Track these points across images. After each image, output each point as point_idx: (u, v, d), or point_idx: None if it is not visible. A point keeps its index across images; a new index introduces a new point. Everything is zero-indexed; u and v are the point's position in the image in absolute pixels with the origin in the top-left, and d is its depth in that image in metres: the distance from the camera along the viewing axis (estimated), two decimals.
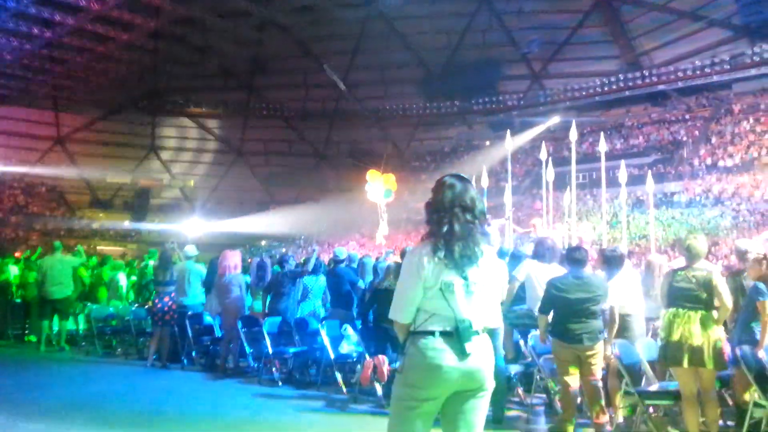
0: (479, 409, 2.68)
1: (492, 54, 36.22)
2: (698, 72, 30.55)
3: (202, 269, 9.50)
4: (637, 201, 26.83)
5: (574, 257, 5.37)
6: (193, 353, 9.13)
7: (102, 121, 42.58)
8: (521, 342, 6.52)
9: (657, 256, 6.65)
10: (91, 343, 10.49)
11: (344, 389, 7.07)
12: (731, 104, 31.99)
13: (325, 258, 10.90)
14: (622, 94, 33.23)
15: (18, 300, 11.90)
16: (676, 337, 4.76)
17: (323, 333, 7.37)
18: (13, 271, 12.18)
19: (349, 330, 7.44)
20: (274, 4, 33.13)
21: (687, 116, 33.30)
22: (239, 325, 8.18)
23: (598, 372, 5.19)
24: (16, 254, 15.69)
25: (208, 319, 9.22)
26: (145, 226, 39.57)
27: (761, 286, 4.90)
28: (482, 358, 2.65)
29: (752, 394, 4.88)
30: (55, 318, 10.80)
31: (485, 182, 10.38)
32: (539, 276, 6.11)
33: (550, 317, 5.38)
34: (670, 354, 4.80)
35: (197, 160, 45.42)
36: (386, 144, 43.04)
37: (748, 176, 27.47)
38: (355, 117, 41.17)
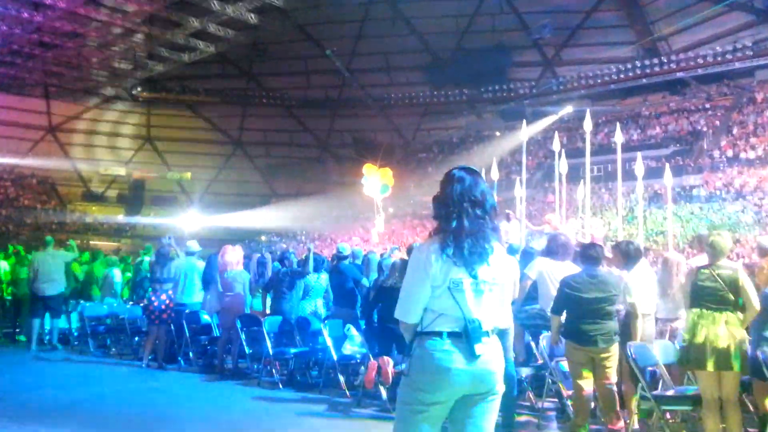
0: (489, 413, 2.68)
1: (502, 39, 36.09)
2: (719, 58, 30.36)
3: (201, 266, 9.54)
4: (655, 195, 26.74)
5: (588, 254, 5.36)
6: (191, 353, 9.16)
7: (95, 109, 42.70)
8: (532, 343, 6.51)
9: (675, 254, 6.61)
10: (85, 342, 10.54)
11: (347, 392, 7.08)
12: (754, 92, 31.76)
13: (328, 254, 10.91)
14: (639, 81, 33.09)
15: (8, 297, 11.95)
16: (700, 339, 4.70)
17: (325, 333, 7.38)
18: (3, 266, 12.18)
19: (352, 330, 7.46)
20: None
21: (707, 105, 33.11)
22: (238, 324, 8.20)
23: (612, 375, 5.18)
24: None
25: (205, 317, 9.25)
26: (140, 220, 39.75)
27: None
28: (492, 360, 2.66)
29: None
30: (47, 316, 10.84)
31: (495, 175, 10.34)
32: (552, 274, 6.10)
33: (563, 317, 5.37)
34: (693, 356, 4.74)
35: (194, 151, 45.46)
36: (391, 134, 43.06)
37: None
38: (359, 105, 41.19)
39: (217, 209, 38.61)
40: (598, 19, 34.67)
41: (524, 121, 11.95)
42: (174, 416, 6.29)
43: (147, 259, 10.95)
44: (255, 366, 8.36)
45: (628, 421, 5.34)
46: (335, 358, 7.26)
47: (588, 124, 9.88)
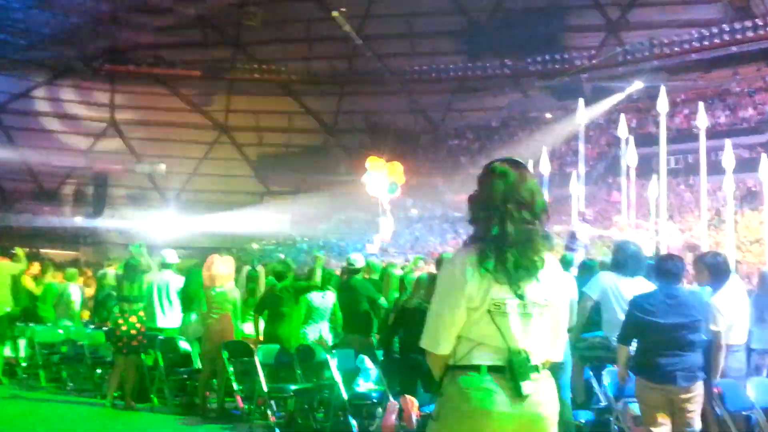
0: None
1: None
2: None
3: (181, 282, 9.60)
4: (748, 193, 26.47)
5: (665, 269, 5.34)
6: (166, 390, 9.20)
7: (47, 86, 43.13)
8: (594, 381, 6.51)
9: None
10: (35, 374, 10.63)
11: None
12: None
13: (336, 266, 10.96)
14: (728, 50, 32.76)
15: None
16: None
17: (333, 365, 7.40)
18: None
19: (367, 362, 7.48)
20: None
21: None
22: (225, 354, 8.25)
23: (695, 421, 5.16)
24: None
25: (184, 345, 9.31)
26: (104, 223, 40.03)
27: None
28: (543, 402, 2.67)
29: None
30: None
31: (546, 168, 10.37)
32: (619, 293, 6.10)
33: (632, 348, 5.35)
34: None
35: (170, 138, 45.70)
36: (415, 117, 43.06)
37: None
38: (374, 81, 41.20)
39: (198, 210, 38.83)
40: None
41: (582, 100, 11.94)
42: None
43: (112, 272, 11.04)
44: (246, 406, 8.36)
45: None
46: (345, 397, 7.26)
47: (663, 104, 9.84)
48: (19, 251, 12.10)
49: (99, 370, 10.42)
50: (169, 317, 9.59)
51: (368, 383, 7.42)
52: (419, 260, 11.46)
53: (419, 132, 42.82)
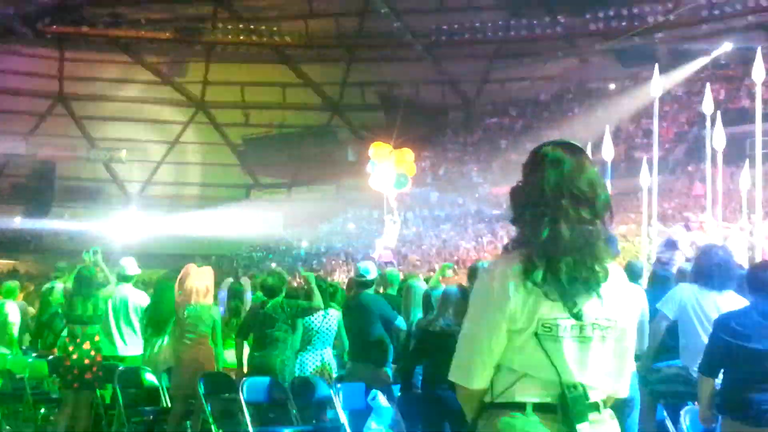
0: None
1: None
2: None
3: (144, 298, 9.61)
4: None
5: (762, 280, 5.31)
6: None
7: None
8: (669, 422, 6.48)
9: None
10: None
11: None
12: None
13: (342, 278, 10.96)
14: None
15: None
16: None
17: (338, 403, 7.43)
18: None
19: (381, 399, 7.48)
20: None
21: None
22: (201, 388, 8.27)
23: None
24: None
25: (150, 378, 9.33)
26: (49, 224, 40.23)
27: None
28: None
29: None
30: None
31: (610, 153, 10.32)
32: (702, 311, 6.09)
33: (718, 380, 5.32)
34: None
35: (132, 117, 45.91)
36: (443, 89, 42.99)
37: None
38: (391, 45, 41.20)
39: (169, 208, 39.00)
40: None
41: (656, 66, 11.89)
42: None
43: (60, 286, 11.07)
44: None
45: None
46: None
47: (759, 71, 9.78)
48: None
49: (43, 410, 10.46)
50: (131, 343, 9.61)
51: (382, 426, 7.41)
52: (447, 269, 11.43)
53: (448, 108, 42.81)
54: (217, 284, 10.33)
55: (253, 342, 8.73)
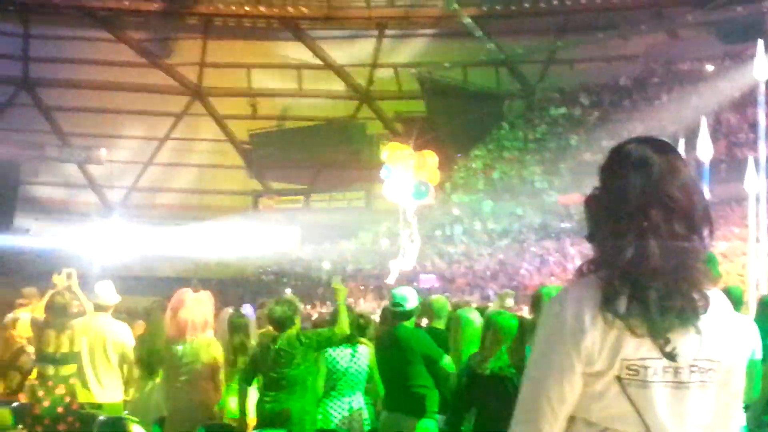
0: None
1: None
2: None
3: (126, 332, 9.68)
4: None
5: None
6: None
7: None
8: None
9: None
10: None
11: None
12: None
13: (373, 307, 10.97)
14: None
15: None
16: None
17: None
18: None
19: None
20: None
21: None
22: None
23: None
24: None
25: (138, 430, 9.40)
26: (11, 240, 40.56)
27: None
28: None
29: None
30: None
31: (707, 152, 10.28)
32: None
33: None
34: None
35: (113, 108, 46.10)
36: (496, 71, 42.94)
37: None
38: (431, 16, 41.25)
39: (158, 220, 39.21)
40: None
41: (761, 43, 11.86)
42: None
43: (27, 316, 11.18)
44: None
45: None
46: None
47: None
48: None
49: None
50: (109, 388, 9.70)
51: None
52: (508, 298, 11.44)
53: (503, 96, 42.73)
54: (216, 316, 10.36)
55: (262, 385, 8.66)
